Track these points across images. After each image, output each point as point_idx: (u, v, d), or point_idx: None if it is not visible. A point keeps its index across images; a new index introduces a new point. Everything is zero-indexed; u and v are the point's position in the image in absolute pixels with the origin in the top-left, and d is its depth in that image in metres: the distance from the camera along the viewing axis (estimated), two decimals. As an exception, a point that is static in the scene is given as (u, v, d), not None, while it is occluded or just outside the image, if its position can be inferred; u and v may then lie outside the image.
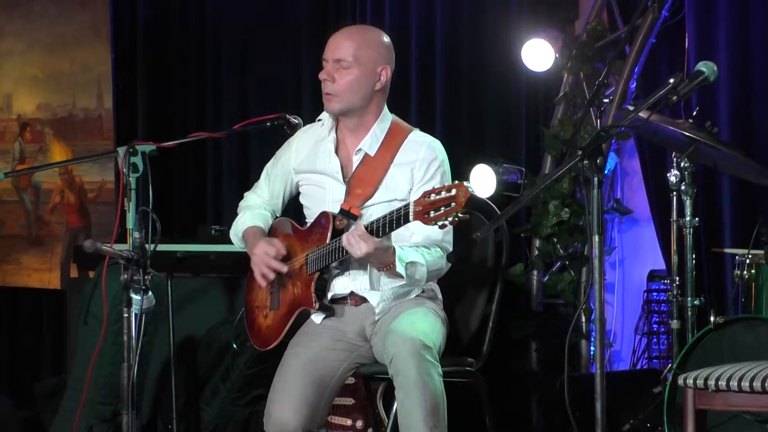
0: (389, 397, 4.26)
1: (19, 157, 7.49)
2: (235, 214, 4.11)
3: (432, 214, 3.35)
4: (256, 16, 6.80)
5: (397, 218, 3.50)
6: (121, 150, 3.61)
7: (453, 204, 3.31)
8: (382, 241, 3.55)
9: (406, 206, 3.46)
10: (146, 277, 3.50)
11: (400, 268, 3.62)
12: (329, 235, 3.75)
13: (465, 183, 3.33)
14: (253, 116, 4.09)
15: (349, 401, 4.75)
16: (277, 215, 4.09)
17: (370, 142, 3.86)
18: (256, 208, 4.06)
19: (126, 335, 3.51)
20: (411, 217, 3.43)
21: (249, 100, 6.82)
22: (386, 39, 3.91)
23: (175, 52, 7.05)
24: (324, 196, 3.88)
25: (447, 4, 6.22)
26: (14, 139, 7.51)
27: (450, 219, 3.33)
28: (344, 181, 3.85)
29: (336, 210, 3.80)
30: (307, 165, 3.94)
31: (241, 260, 4.15)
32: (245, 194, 4.15)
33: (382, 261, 3.62)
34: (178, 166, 6.89)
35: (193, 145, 4.24)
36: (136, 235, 3.51)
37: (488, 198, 3.99)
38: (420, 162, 3.81)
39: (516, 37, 5.97)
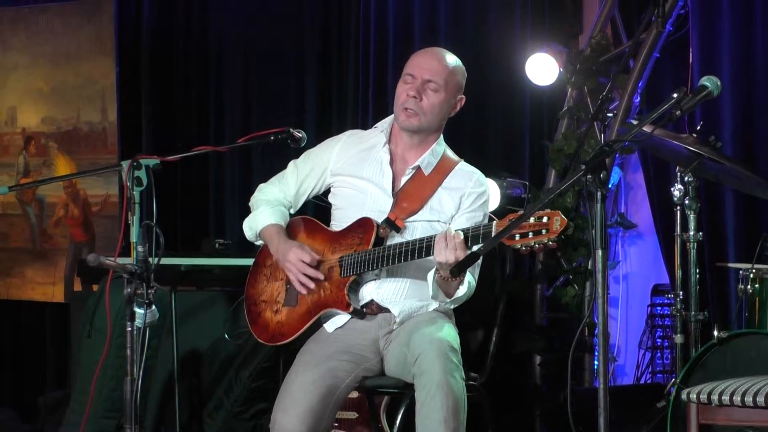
0: (393, 411, 4.25)
1: (24, 170, 7.50)
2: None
3: (517, 237, 3.36)
4: (259, 30, 6.81)
5: (474, 236, 3.52)
6: (125, 164, 3.61)
7: (545, 231, 3.32)
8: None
9: (487, 226, 3.49)
10: (150, 291, 3.50)
11: (463, 284, 3.67)
12: (372, 242, 3.77)
13: (559, 212, 3.35)
14: (257, 129, 4.09)
15: (353, 415, 4.74)
16: (293, 211, 4.09)
17: (428, 161, 3.90)
18: (275, 203, 4.04)
19: (129, 349, 3.51)
20: None
21: (252, 113, 6.83)
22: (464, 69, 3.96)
23: (179, 66, 7.06)
24: (364, 202, 3.89)
25: (450, 18, 6.22)
26: (18, 153, 7.51)
27: (538, 245, 3.34)
28: (392, 193, 3.88)
29: (377, 218, 3.82)
30: (351, 169, 3.95)
31: (245, 274, 4.15)
32: (262, 186, 4.11)
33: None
34: (182, 179, 6.90)
35: (196, 159, 4.25)
36: (140, 248, 3.51)
37: (492, 212, 4.00)
38: (470, 191, 3.89)
39: (520, 51, 5.98)
